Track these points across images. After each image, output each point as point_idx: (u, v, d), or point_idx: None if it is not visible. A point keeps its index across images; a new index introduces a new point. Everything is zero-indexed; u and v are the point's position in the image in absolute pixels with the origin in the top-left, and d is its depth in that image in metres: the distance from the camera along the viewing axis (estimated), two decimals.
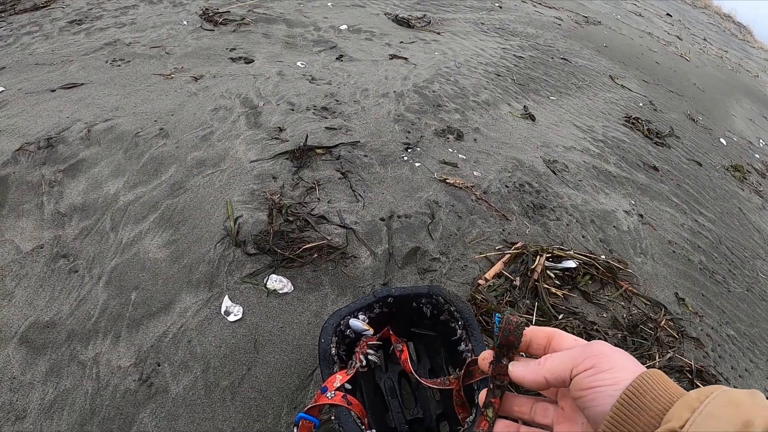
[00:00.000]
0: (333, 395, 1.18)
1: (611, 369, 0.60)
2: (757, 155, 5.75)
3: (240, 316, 1.79)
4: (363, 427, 1.16)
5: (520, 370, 0.66)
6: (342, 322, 1.40)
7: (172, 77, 3.39)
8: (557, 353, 0.65)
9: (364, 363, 1.34)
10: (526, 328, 0.66)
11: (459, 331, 1.41)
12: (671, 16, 13.87)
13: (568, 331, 1.79)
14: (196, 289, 1.88)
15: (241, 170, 2.50)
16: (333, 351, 1.33)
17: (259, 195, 2.33)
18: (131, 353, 1.67)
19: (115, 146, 2.58)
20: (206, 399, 1.56)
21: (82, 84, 3.17)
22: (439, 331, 1.53)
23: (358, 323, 1.42)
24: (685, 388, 1.46)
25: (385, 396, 1.51)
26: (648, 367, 1.45)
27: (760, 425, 0.49)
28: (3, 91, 3.08)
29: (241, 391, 1.60)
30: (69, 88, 3.12)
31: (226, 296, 1.86)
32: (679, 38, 11.04)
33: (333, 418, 1.19)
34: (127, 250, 2.02)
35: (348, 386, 1.25)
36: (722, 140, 5.63)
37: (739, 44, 14.96)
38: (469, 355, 1.33)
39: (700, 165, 4.56)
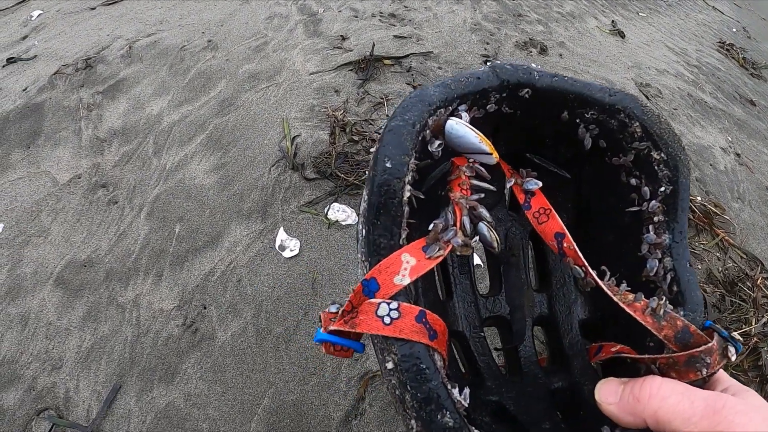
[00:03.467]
0: (396, 316, 0.49)
1: None
2: None
3: (297, 252, 1.59)
4: (448, 387, 0.47)
5: (610, 398, 0.50)
6: (430, 121, 0.59)
7: None
8: (675, 397, 0.45)
9: (475, 239, 0.61)
10: None
11: (652, 204, 0.64)
12: None
13: None
14: (247, 220, 1.70)
15: (299, 83, 2.27)
16: (406, 190, 0.55)
17: (319, 111, 2.10)
18: (174, 294, 1.52)
19: (158, 62, 2.42)
20: (257, 348, 1.39)
21: None
22: (586, 181, 0.76)
23: (467, 130, 0.60)
24: None
25: (450, 270, 0.78)
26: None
27: None
28: (41, 14, 3.03)
29: (297, 339, 1.41)
30: (110, 4, 3.00)
31: (281, 228, 1.66)
32: None
33: (394, 363, 0.49)
34: (171, 177, 1.87)
35: None
36: None
37: None
38: (657, 263, 0.62)
39: None
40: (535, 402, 0.65)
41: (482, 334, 0.75)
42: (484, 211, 0.62)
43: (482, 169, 0.65)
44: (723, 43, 4.48)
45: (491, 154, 0.63)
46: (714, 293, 1.77)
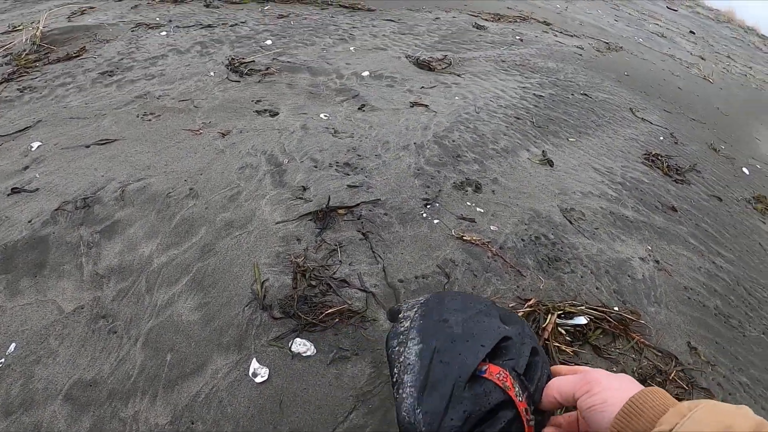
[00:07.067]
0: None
1: (600, 391, 0.83)
2: None
3: (266, 378, 2.07)
4: None
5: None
6: None
7: (201, 133, 3.75)
8: (565, 377, 0.91)
9: None
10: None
11: None
12: (694, 33, 14.28)
13: None
14: (226, 352, 2.17)
15: (267, 232, 2.81)
16: None
17: (284, 258, 2.63)
18: (167, 412, 1.95)
19: (148, 207, 2.91)
20: None
21: (115, 140, 3.53)
22: None
23: None
24: None
25: None
26: None
27: (740, 428, 0.65)
28: (40, 145, 3.44)
29: None
30: (102, 144, 3.47)
31: (254, 358, 2.14)
32: (702, 58, 11.37)
33: None
34: (162, 313, 2.32)
35: None
36: (744, 170, 5.73)
37: (764, 57, 15.38)
38: None
39: (720, 200, 4.69)
40: None
41: None
42: None
43: None
44: (649, 154, 4.98)
45: None
46: None
